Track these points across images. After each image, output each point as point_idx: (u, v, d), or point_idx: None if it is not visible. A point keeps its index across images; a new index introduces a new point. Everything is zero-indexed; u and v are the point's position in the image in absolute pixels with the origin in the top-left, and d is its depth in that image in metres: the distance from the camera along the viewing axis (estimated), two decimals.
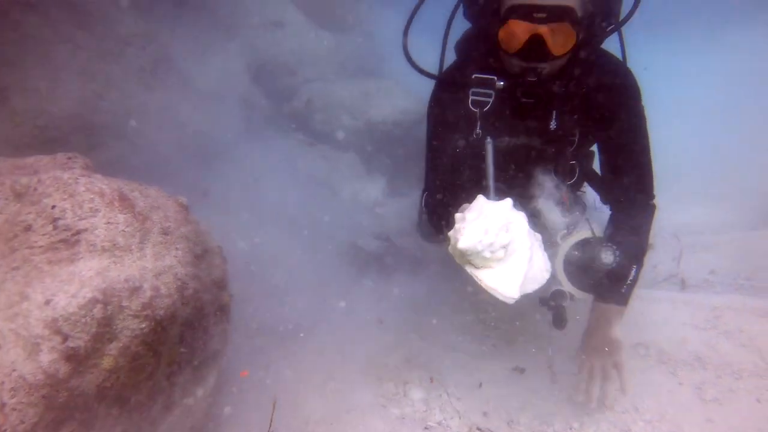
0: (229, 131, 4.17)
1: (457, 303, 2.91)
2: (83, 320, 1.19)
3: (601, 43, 1.94)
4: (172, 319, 1.49)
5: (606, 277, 1.89)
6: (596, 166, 2.20)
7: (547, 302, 1.94)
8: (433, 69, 2.09)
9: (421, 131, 2.17)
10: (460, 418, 2.14)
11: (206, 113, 4.01)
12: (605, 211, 2.14)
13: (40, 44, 2.94)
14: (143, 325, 1.31)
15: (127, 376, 1.34)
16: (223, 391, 2.08)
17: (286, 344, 2.63)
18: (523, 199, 1.92)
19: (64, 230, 1.30)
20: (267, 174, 4.19)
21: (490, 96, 1.90)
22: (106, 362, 1.26)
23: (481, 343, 2.62)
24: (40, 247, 1.30)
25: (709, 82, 8.02)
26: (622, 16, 1.86)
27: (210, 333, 1.84)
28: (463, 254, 1.38)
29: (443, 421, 2.13)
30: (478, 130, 1.92)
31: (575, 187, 2.27)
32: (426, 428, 2.08)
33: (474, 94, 1.92)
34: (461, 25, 2.15)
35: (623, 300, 1.96)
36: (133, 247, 1.39)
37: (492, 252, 1.35)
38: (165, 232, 1.60)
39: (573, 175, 2.08)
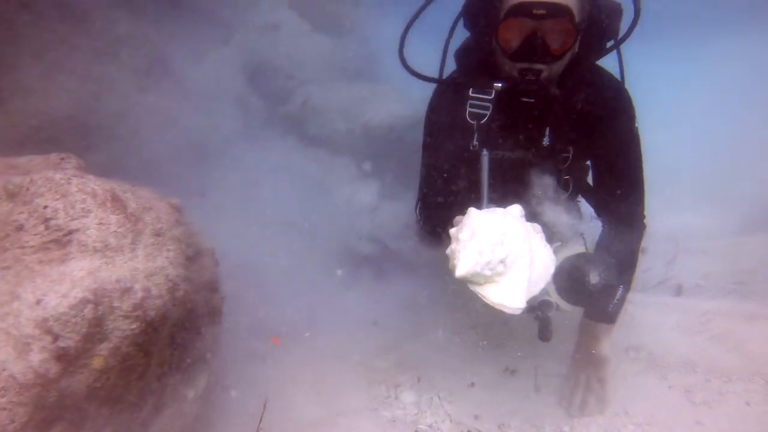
0: (224, 133, 4.17)
1: (450, 303, 2.92)
2: (74, 320, 1.19)
3: (598, 60, 1.95)
4: (163, 321, 1.49)
5: (593, 296, 1.93)
6: (590, 179, 2.21)
7: (534, 311, 1.95)
8: (431, 73, 2.09)
9: (416, 135, 2.17)
10: (451, 421, 2.15)
11: (201, 115, 4.01)
12: (600, 224, 2.15)
13: (34, 44, 2.94)
14: (134, 326, 1.31)
15: (117, 377, 1.34)
16: (215, 393, 2.08)
17: (278, 347, 2.63)
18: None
19: (56, 230, 1.30)
20: (262, 176, 4.19)
21: (487, 109, 1.91)
22: (97, 362, 1.26)
23: (474, 346, 2.63)
24: (32, 247, 1.31)
25: (703, 88, 8.09)
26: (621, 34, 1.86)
27: (201, 335, 1.84)
28: (463, 278, 1.37)
29: (434, 424, 2.13)
30: (474, 143, 1.93)
31: (571, 199, 2.28)
32: (417, 431, 2.09)
33: (471, 106, 1.93)
34: (463, 33, 2.15)
35: (610, 318, 2.03)
36: (124, 247, 1.39)
37: (491, 270, 1.34)
38: (157, 234, 1.61)
39: (567, 190, 2.10)
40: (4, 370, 1.13)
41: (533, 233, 1.47)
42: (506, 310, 1.35)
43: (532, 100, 1.75)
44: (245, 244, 3.34)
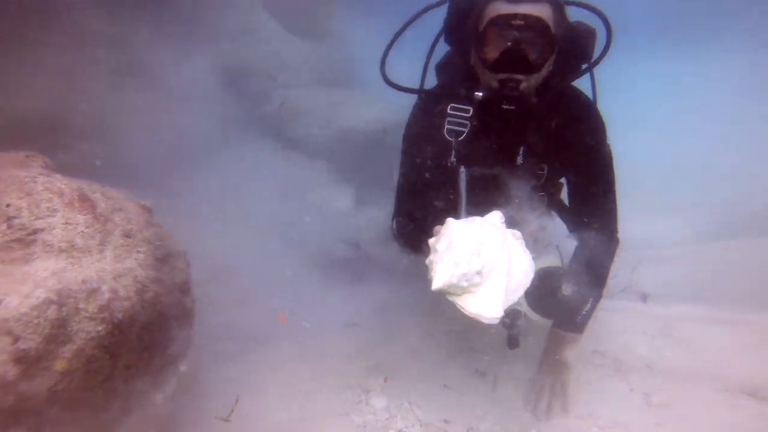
0: (200, 136, 4.14)
1: (423, 305, 2.94)
2: (35, 321, 1.17)
3: (573, 81, 2.00)
4: (130, 322, 1.47)
5: (564, 306, 1.98)
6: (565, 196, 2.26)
7: (503, 320, 1.99)
8: (412, 84, 2.11)
9: (393, 140, 2.19)
10: (421, 425, 2.17)
11: (178, 117, 3.97)
12: (574, 240, 2.21)
13: (8, 42, 2.88)
14: (100, 328, 1.29)
15: (81, 379, 1.32)
16: (186, 396, 2.05)
17: (251, 350, 2.62)
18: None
19: (20, 229, 1.28)
20: (238, 180, 4.16)
21: (465, 126, 1.95)
22: (59, 365, 1.24)
23: (446, 349, 2.66)
24: None
25: (668, 95, 8.36)
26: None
27: (171, 337, 1.82)
28: (440, 291, 1.37)
29: (404, 429, 2.15)
30: (452, 159, 1.96)
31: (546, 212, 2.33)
32: None
33: (450, 123, 1.97)
34: (444, 48, 2.17)
35: (578, 329, 2.09)
36: (92, 248, 1.38)
37: (468, 280, 1.34)
38: (127, 235, 1.59)
39: (542, 206, 2.15)
40: None
41: (512, 240, 1.46)
42: (484, 320, 1.35)
43: (513, 107, 1.78)
44: (220, 246, 3.32)
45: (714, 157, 5.32)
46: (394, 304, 3.15)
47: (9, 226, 1.29)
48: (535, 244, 2.00)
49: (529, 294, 1.92)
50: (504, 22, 1.69)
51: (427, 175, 2.03)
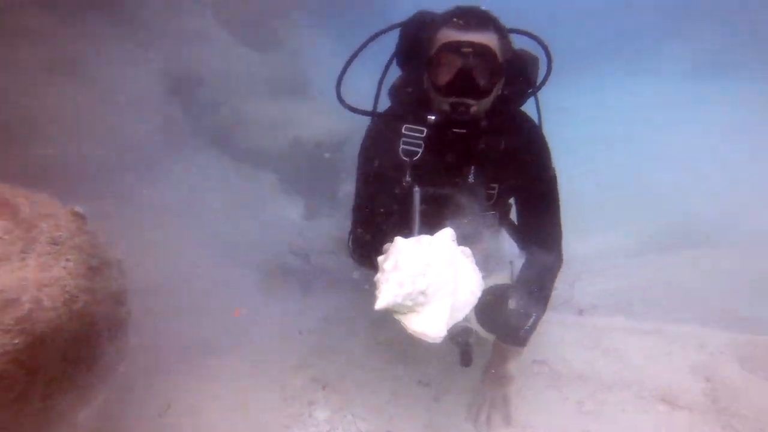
0: (144, 143, 3.98)
1: (369, 316, 2.95)
2: None
3: (520, 106, 2.10)
4: (55, 334, 1.40)
5: (509, 321, 2.06)
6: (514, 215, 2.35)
7: (455, 338, 2.04)
8: (364, 107, 2.14)
9: (345, 153, 2.21)
10: None
11: (120, 121, 3.81)
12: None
13: None
14: (16, 341, 1.22)
15: None
16: (116, 410, 1.96)
17: (191, 363, 2.53)
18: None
19: None
20: (184, 189, 4.04)
21: (420, 146, 2.00)
22: None
23: (390, 360, 2.67)
24: None
25: (607, 114, 8.82)
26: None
27: (101, 350, 1.74)
28: (383, 310, 1.37)
29: None
30: (407, 179, 2.01)
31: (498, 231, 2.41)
32: None
33: (405, 143, 2.01)
34: (396, 71, 2.21)
35: (521, 342, 2.16)
36: (12, 256, 1.30)
37: (412, 300, 1.35)
38: (54, 242, 1.52)
39: (494, 224, 2.23)
40: None
41: (462, 257, 1.47)
42: (427, 339, 1.36)
43: (464, 131, 1.86)
44: (162, 256, 3.20)
45: (649, 175, 5.65)
46: (341, 315, 3.14)
47: None
48: (486, 261, 2.07)
49: (477, 310, 1.98)
50: (454, 48, 1.77)
51: (382, 194, 2.07)
